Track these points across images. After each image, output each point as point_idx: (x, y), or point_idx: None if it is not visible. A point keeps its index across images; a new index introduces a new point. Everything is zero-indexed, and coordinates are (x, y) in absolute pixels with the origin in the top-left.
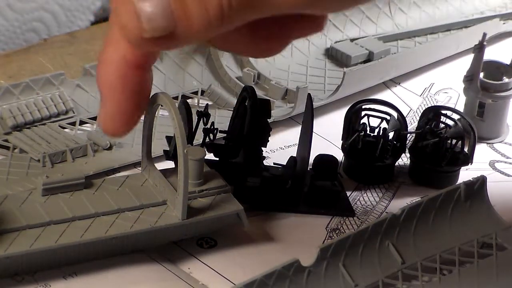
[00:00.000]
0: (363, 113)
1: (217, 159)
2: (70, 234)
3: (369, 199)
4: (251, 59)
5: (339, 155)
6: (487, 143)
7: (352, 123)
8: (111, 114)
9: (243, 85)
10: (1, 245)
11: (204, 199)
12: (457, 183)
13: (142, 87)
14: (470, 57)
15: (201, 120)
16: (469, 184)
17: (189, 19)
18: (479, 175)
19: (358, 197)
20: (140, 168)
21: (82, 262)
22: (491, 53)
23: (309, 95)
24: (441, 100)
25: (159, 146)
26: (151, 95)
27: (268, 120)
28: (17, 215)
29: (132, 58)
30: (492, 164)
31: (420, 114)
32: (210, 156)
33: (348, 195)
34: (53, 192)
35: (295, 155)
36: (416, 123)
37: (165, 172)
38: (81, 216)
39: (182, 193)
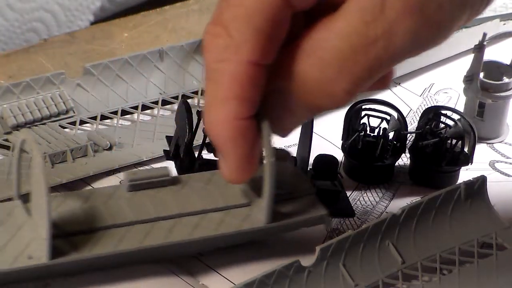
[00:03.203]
0: (363, 113)
1: (217, 159)
2: (154, 235)
3: (369, 199)
4: None
5: (339, 155)
6: (487, 143)
7: (352, 123)
8: (235, 165)
9: None
10: (87, 245)
11: (288, 202)
12: (457, 183)
13: (255, 133)
14: (470, 57)
15: (201, 120)
16: (469, 184)
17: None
18: (479, 175)
19: (358, 197)
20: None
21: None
22: (491, 53)
23: None
24: (441, 100)
25: (159, 146)
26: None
27: None
28: (103, 212)
29: (243, 111)
30: (492, 164)
31: (420, 114)
32: (210, 156)
33: (348, 195)
34: (139, 188)
35: (295, 155)
36: (416, 123)
37: None
38: (166, 217)
39: (267, 196)
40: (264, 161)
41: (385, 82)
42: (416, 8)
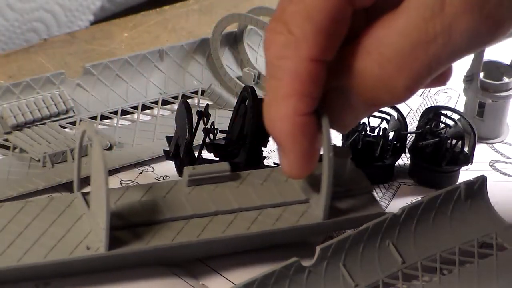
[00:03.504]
0: None
1: (217, 159)
2: (212, 228)
3: None
4: (251, 58)
5: None
6: (487, 143)
7: None
8: (296, 161)
9: (243, 85)
10: (144, 237)
11: (346, 199)
12: (457, 183)
13: (315, 129)
14: (470, 57)
15: (201, 120)
16: (469, 184)
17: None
18: (479, 175)
19: None
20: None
21: (224, 254)
22: (491, 53)
23: None
24: (441, 100)
25: (159, 146)
26: None
27: None
28: (162, 206)
29: (304, 107)
30: (492, 164)
31: (420, 114)
32: (210, 156)
33: None
34: (198, 183)
35: None
36: (416, 123)
37: None
38: (224, 211)
39: (325, 193)
40: (323, 157)
41: (444, 79)
42: (475, 6)
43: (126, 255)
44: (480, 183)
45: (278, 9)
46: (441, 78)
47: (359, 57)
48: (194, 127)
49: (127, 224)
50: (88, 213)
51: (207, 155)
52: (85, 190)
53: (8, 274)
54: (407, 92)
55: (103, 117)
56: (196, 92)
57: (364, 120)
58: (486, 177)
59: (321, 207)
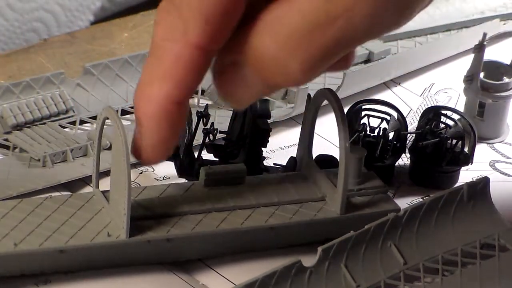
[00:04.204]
0: (363, 113)
1: (217, 159)
2: (231, 221)
3: None
4: None
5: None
6: (487, 143)
7: (352, 123)
8: (152, 145)
9: None
10: (164, 227)
11: (362, 198)
12: (459, 184)
13: (181, 120)
14: (470, 57)
15: (201, 121)
16: (472, 185)
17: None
18: (481, 176)
19: None
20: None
21: (242, 251)
22: (491, 53)
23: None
24: (441, 100)
25: None
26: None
27: (268, 120)
28: (180, 201)
29: (177, 95)
30: (492, 164)
31: (420, 114)
32: (210, 156)
33: None
34: (215, 183)
35: (295, 155)
36: (416, 123)
37: (325, 172)
38: (242, 206)
39: (341, 187)
40: (340, 153)
41: (346, 63)
42: None
43: (146, 245)
44: (482, 184)
45: None
46: (343, 63)
47: (257, 34)
48: (193, 128)
49: (147, 215)
50: (108, 207)
51: (207, 155)
52: (86, 189)
53: (29, 259)
54: (302, 76)
55: None
56: (196, 92)
57: (364, 120)
58: (489, 178)
59: (337, 202)
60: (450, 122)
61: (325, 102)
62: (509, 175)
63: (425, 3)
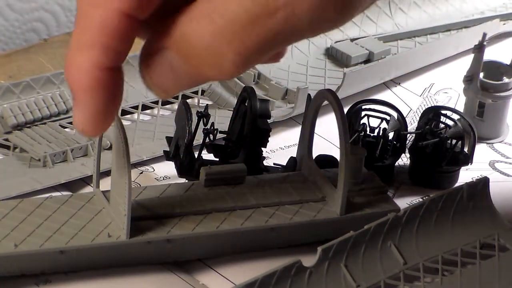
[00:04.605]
0: (363, 113)
1: (217, 159)
2: (231, 221)
3: None
4: None
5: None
6: (487, 143)
7: (352, 123)
8: (90, 117)
9: (243, 85)
10: (165, 228)
11: (362, 198)
12: (459, 184)
13: (117, 87)
14: (470, 57)
15: (201, 121)
16: (471, 185)
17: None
18: (481, 176)
19: None
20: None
21: (242, 251)
22: (491, 53)
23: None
24: (441, 100)
25: (159, 146)
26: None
27: (268, 120)
28: (181, 201)
29: (106, 61)
30: (492, 164)
31: (420, 114)
32: (210, 156)
33: None
34: (215, 183)
35: (295, 155)
36: (416, 123)
37: (325, 172)
38: (242, 206)
39: (341, 188)
40: (340, 153)
41: (277, 56)
42: None
43: (147, 246)
44: (482, 184)
45: None
46: (275, 55)
47: (192, 21)
48: (194, 128)
49: (147, 215)
50: (108, 207)
51: (207, 155)
52: (86, 189)
53: (30, 260)
54: (235, 69)
55: None
56: (196, 92)
57: (364, 120)
58: (488, 178)
59: (337, 203)
60: (450, 122)
61: (325, 102)
62: (509, 175)
63: (368, 3)
